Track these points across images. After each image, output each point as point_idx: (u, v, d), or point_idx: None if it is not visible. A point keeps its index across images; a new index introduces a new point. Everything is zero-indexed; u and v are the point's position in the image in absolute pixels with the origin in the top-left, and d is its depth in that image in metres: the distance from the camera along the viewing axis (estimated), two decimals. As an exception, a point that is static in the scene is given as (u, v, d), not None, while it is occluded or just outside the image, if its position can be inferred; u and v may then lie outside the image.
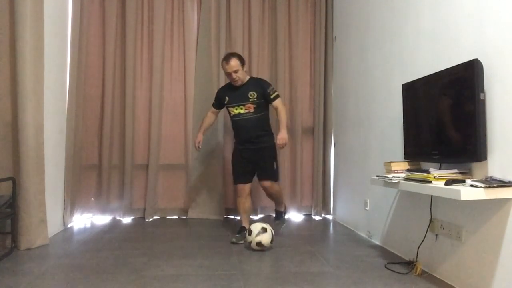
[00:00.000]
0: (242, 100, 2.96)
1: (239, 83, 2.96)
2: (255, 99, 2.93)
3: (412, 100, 2.30)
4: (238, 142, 3.06)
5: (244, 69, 2.98)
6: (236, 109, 2.97)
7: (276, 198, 3.08)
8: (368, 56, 3.15)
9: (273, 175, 2.98)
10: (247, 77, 3.02)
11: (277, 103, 2.97)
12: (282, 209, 3.16)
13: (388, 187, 2.24)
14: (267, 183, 2.93)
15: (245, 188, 2.98)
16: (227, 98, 3.02)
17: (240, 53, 3.90)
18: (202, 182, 3.91)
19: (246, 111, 2.94)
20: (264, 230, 2.62)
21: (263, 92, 2.95)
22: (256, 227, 2.63)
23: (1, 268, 2.24)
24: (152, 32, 3.90)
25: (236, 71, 2.90)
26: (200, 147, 3.16)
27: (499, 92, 1.74)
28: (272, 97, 2.96)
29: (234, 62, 2.91)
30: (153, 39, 3.87)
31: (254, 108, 2.93)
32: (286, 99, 4.07)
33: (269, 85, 3.03)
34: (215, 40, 3.96)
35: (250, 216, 3.15)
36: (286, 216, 3.10)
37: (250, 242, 2.61)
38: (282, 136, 2.86)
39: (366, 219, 3.13)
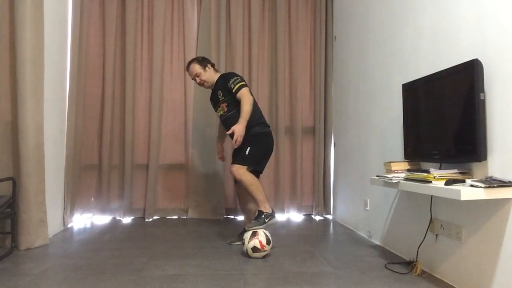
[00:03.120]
0: (216, 101, 2.89)
1: (207, 85, 2.91)
2: (224, 97, 2.81)
3: (412, 100, 2.30)
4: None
5: (207, 70, 2.87)
6: (218, 112, 2.92)
7: (249, 191, 2.68)
8: (368, 56, 3.15)
9: (242, 159, 2.70)
10: (217, 76, 2.90)
11: (240, 94, 2.70)
12: (263, 209, 2.68)
13: (388, 187, 2.24)
14: (232, 167, 2.70)
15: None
16: (211, 103, 3.00)
17: (240, 53, 3.94)
18: (202, 182, 3.91)
19: (223, 111, 2.85)
20: (254, 234, 2.52)
21: (226, 87, 2.78)
22: (247, 235, 2.55)
23: (1, 268, 2.24)
24: (152, 32, 3.90)
25: (198, 75, 2.86)
26: (222, 157, 3.14)
27: (499, 92, 1.74)
28: (234, 90, 2.73)
29: (192, 68, 2.87)
30: (153, 39, 3.88)
31: (226, 106, 2.81)
32: (286, 99, 4.08)
33: (230, 78, 2.78)
34: (215, 40, 3.97)
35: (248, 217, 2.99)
36: (272, 221, 2.67)
37: (247, 251, 2.51)
38: (234, 128, 2.62)
39: (366, 219, 3.13)
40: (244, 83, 2.77)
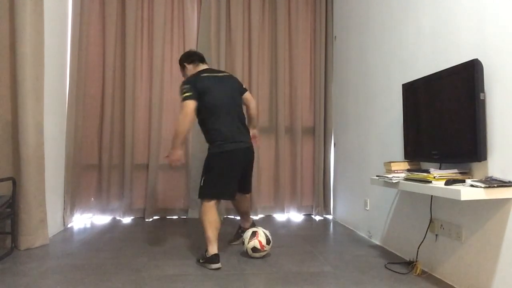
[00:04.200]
0: None
1: None
2: None
3: (412, 100, 2.30)
4: None
5: (185, 70, 2.64)
6: None
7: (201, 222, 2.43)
8: (368, 56, 3.15)
9: (199, 193, 2.43)
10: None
11: (181, 106, 2.39)
12: (205, 247, 2.36)
13: (388, 187, 2.24)
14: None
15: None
16: None
17: (240, 53, 3.94)
18: (202, 182, 3.91)
19: None
20: (254, 234, 2.50)
21: None
22: (247, 234, 2.53)
23: (1, 268, 2.24)
24: (152, 32, 3.90)
25: (183, 75, 2.69)
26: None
27: (499, 92, 1.74)
28: (181, 101, 2.41)
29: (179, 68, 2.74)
30: (153, 39, 3.88)
31: None
32: (286, 99, 4.08)
33: (181, 86, 2.44)
34: (215, 40, 3.97)
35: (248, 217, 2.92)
36: (208, 267, 2.28)
37: (246, 251, 2.50)
38: (169, 153, 2.40)
39: (366, 219, 3.13)
40: (188, 94, 2.36)
